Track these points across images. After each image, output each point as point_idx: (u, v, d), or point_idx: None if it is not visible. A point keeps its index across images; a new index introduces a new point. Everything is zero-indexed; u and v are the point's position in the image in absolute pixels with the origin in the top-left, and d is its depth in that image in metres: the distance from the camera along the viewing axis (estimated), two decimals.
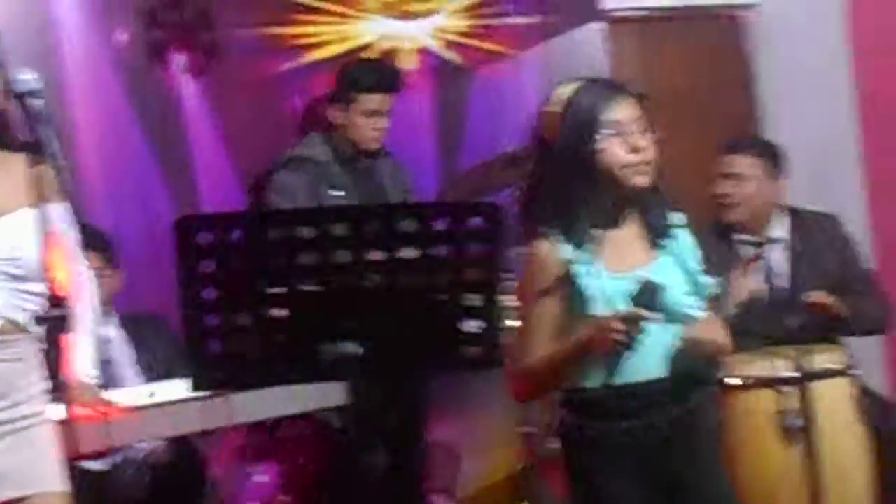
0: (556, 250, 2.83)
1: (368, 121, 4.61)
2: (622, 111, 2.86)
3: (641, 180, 2.84)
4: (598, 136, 2.83)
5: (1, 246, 2.75)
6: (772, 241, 4.43)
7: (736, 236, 4.45)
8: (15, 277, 2.76)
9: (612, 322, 2.72)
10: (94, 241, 4.15)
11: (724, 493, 3.05)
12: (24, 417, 2.80)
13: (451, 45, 5.31)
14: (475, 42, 5.35)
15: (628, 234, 2.91)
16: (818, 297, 4.15)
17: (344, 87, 4.64)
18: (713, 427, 3.12)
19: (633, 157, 2.83)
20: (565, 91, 2.91)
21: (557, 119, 2.89)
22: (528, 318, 2.86)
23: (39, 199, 2.81)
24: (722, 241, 4.46)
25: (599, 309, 2.80)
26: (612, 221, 2.89)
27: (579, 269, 2.83)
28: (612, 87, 2.92)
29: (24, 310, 2.79)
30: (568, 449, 3.04)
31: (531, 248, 2.86)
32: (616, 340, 2.71)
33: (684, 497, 2.94)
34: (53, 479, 2.85)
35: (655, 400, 2.89)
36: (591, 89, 2.90)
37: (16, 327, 2.78)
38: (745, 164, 4.46)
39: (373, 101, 4.59)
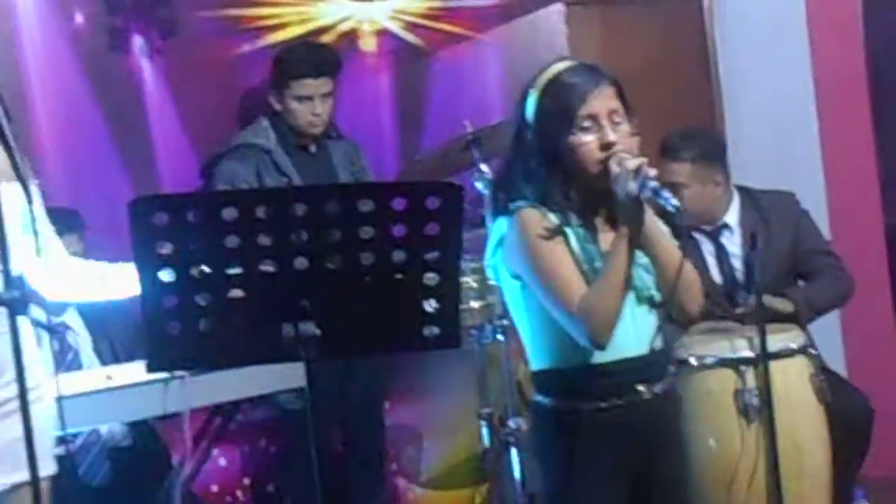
0: (545, 215, 2.86)
1: (303, 106, 4.59)
2: (597, 103, 2.85)
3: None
4: (571, 131, 2.84)
5: None
6: (725, 228, 4.45)
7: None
8: None
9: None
10: (71, 223, 4.14)
11: (683, 476, 3.12)
12: (11, 400, 2.81)
13: (410, 26, 5.30)
14: (435, 24, 5.35)
15: (600, 217, 2.94)
16: (770, 301, 4.14)
17: (277, 74, 4.63)
18: (680, 409, 3.16)
19: (604, 154, 2.83)
20: (547, 74, 2.92)
21: (535, 104, 2.90)
22: (550, 265, 2.84)
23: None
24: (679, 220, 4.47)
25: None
26: (585, 209, 2.92)
27: (571, 235, 2.87)
28: (591, 76, 2.88)
29: None
30: (542, 431, 3.06)
31: (522, 215, 2.86)
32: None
33: (649, 478, 2.98)
34: (43, 462, 2.81)
35: (632, 379, 2.92)
36: (570, 76, 2.89)
37: None
38: (680, 171, 4.38)
39: (304, 86, 4.57)
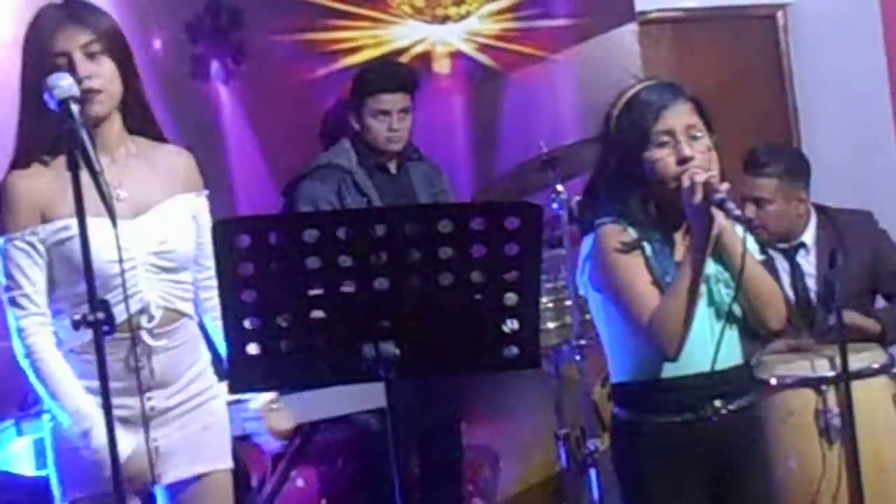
0: (625, 230, 2.92)
1: (381, 123, 4.59)
2: (673, 119, 2.90)
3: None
4: (646, 147, 2.90)
5: (149, 240, 2.83)
6: (801, 247, 4.41)
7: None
8: (167, 269, 2.86)
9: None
10: None
11: (763, 493, 3.10)
12: (194, 397, 2.95)
13: (484, 48, 5.32)
14: (508, 45, 5.36)
15: (680, 231, 2.98)
16: (853, 318, 4.10)
17: (355, 92, 4.65)
18: (760, 426, 3.17)
19: (680, 169, 2.87)
20: (627, 94, 2.98)
21: (615, 122, 2.97)
22: (626, 279, 2.91)
23: (191, 186, 2.96)
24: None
25: None
26: (666, 224, 2.97)
27: (649, 249, 2.92)
28: (667, 93, 2.94)
29: (183, 298, 2.92)
30: (619, 443, 3.10)
31: (602, 231, 2.94)
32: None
33: (728, 494, 3.00)
34: (222, 456, 3.03)
35: (708, 394, 2.95)
36: (647, 94, 2.95)
37: (178, 314, 2.90)
38: (766, 187, 4.35)
39: (381, 101, 4.57)
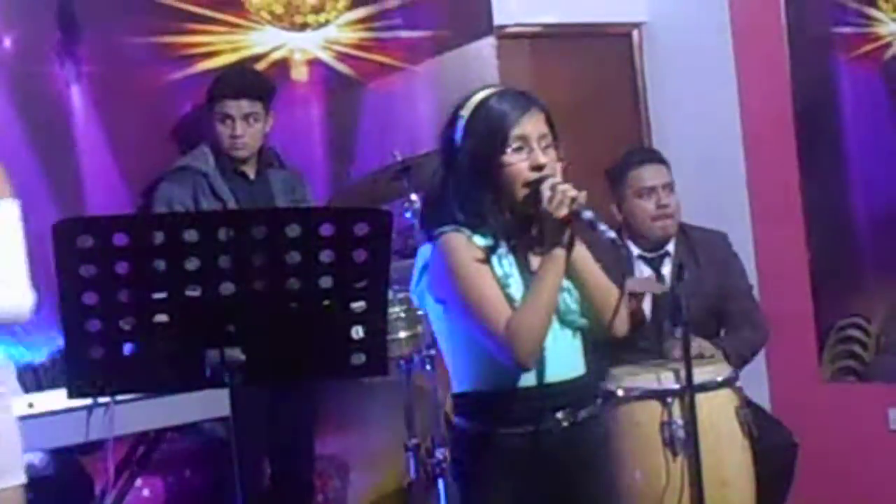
0: (470, 238, 2.88)
1: (225, 127, 4.62)
2: (529, 126, 2.90)
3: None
4: (503, 151, 2.88)
5: None
6: (666, 256, 4.48)
7: (635, 251, 4.48)
8: None
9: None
10: None
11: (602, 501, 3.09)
12: None
13: (342, 56, 5.30)
14: (367, 54, 5.35)
15: (523, 241, 2.96)
16: (702, 346, 4.22)
17: (207, 97, 4.67)
18: (604, 437, 3.17)
19: (533, 175, 2.88)
20: (477, 98, 2.96)
21: (466, 125, 2.93)
22: (477, 288, 2.85)
23: None
24: (617, 251, 4.49)
25: (518, 296, 2.87)
26: (515, 229, 2.95)
27: (494, 258, 2.89)
28: (522, 100, 2.94)
29: None
30: (460, 454, 3.07)
31: (446, 240, 2.88)
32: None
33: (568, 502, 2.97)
34: (14, 471, 2.92)
35: (552, 405, 2.93)
36: (502, 100, 2.94)
37: None
38: (666, 174, 4.50)
39: (225, 106, 4.62)
